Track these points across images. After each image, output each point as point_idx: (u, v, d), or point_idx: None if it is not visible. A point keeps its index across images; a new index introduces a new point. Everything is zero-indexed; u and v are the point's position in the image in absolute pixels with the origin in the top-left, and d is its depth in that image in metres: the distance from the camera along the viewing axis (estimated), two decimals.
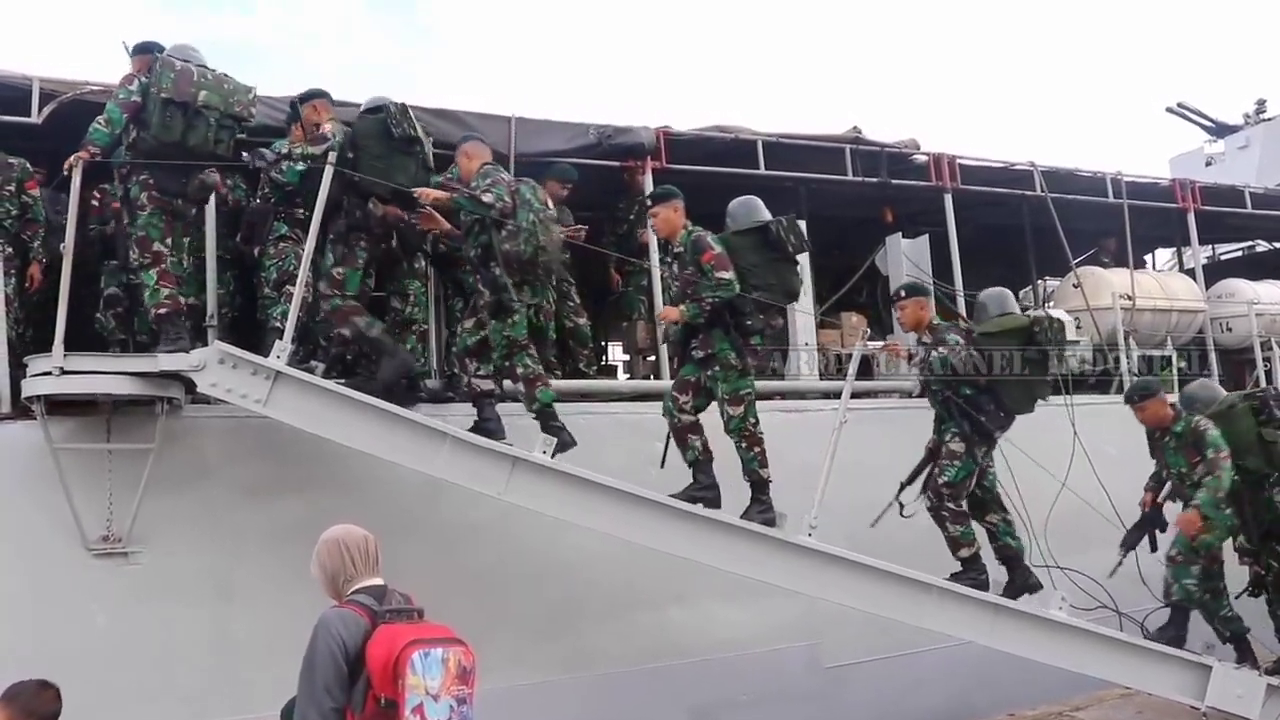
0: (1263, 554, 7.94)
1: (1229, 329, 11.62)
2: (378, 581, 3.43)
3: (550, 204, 7.01)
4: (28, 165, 6.87)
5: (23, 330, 6.70)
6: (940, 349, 6.65)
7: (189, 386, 6.18)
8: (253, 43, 73.08)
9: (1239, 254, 15.23)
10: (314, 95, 6.99)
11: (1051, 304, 11.24)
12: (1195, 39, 71.60)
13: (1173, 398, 7.74)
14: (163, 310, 6.18)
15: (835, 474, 6.43)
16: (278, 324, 6.58)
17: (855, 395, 6.85)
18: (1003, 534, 6.87)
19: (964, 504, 6.76)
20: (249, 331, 7.11)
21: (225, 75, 6.36)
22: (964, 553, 6.65)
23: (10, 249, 6.66)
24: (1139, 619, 6.94)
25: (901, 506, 6.94)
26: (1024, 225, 10.86)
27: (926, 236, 10.16)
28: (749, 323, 6.33)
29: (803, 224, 7.03)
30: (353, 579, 3.42)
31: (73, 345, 5.99)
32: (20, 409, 6.19)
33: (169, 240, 6.33)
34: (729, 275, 6.24)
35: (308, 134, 6.79)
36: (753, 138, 9.38)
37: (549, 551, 6.96)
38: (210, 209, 7.08)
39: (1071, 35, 74.33)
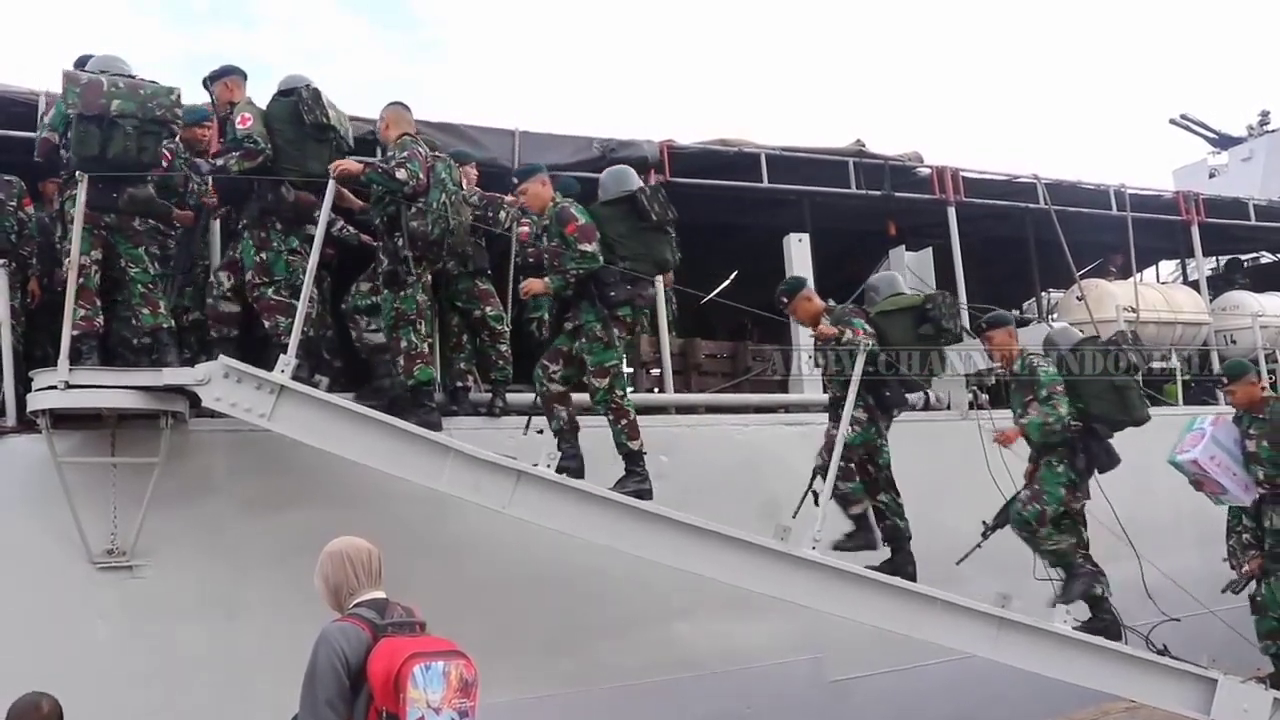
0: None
1: (1233, 341, 11.61)
2: (380, 594, 3.44)
3: (465, 184, 7.00)
4: (22, 184, 6.85)
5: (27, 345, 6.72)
6: (852, 335, 6.57)
7: (194, 401, 6.19)
8: (258, 59, 73.43)
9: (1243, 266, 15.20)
10: (226, 72, 6.91)
11: (1055, 316, 11.23)
12: (1199, 51, 71.70)
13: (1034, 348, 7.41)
14: (76, 331, 6.05)
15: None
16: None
17: None
18: (891, 513, 6.85)
19: (852, 464, 6.69)
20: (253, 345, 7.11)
21: (142, 81, 6.26)
22: (855, 509, 6.62)
23: (14, 264, 6.67)
24: (1144, 632, 6.91)
25: (815, 496, 6.74)
26: (1027, 238, 10.85)
27: (930, 249, 10.15)
28: (613, 294, 6.30)
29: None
30: (355, 592, 3.42)
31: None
32: (25, 422, 6.19)
33: (97, 254, 6.28)
34: (591, 248, 6.23)
35: (219, 112, 6.79)
36: (756, 151, 9.39)
37: (553, 565, 6.94)
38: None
39: (1075, 48, 74.49)
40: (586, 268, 6.21)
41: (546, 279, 6.39)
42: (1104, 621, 6.72)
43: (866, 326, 6.73)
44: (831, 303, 7.07)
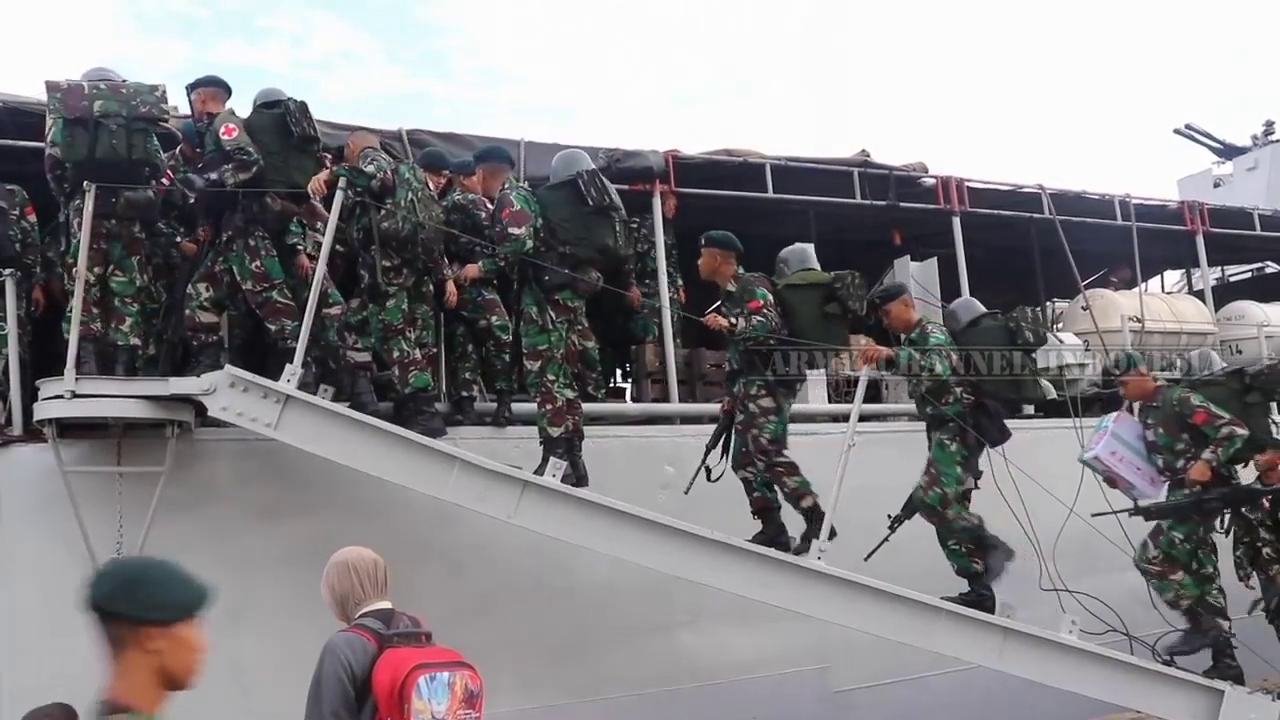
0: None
1: (1238, 351, 11.58)
2: (385, 605, 3.45)
3: (431, 186, 7.06)
4: (24, 192, 6.87)
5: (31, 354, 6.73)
6: (755, 316, 6.46)
7: (200, 410, 6.20)
8: (264, 71, 73.60)
9: (1248, 276, 15.20)
10: (205, 83, 6.87)
11: (1060, 326, 11.22)
12: (1203, 60, 71.75)
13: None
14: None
15: (844, 497, 6.41)
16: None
17: (864, 418, 6.81)
18: (759, 486, 6.69)
19: (789, 455, 6.60)
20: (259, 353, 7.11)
21: (124, 82, 6.32)
22: (806, 503, 6.46)
23: (19, 273, 6.68)
24: (1150, 643, 6.89)
25: (709, 471, 6.77)
26: (1032, 248, 10.82)
27: (935, 259, 10.16)
28: (548, 277, 6.38)
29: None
30: (361, 602, 3.43)
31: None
32: (31, 432, 6.21)
33: (97, 267, 6.28)
34: (519, 231, 6.33)
35: (197, 120, 6.82)
36: (761, 161, 9.41)
37: (558, 574, 6.95)
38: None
39: (1079, 57, 74.56)
40: (512, 250, 6.35)
41: (480, 263, 6.62)
42: (981, 595, 6.64)
43: (769, 296, 6.60)
44: (741, 270, 6.98)
